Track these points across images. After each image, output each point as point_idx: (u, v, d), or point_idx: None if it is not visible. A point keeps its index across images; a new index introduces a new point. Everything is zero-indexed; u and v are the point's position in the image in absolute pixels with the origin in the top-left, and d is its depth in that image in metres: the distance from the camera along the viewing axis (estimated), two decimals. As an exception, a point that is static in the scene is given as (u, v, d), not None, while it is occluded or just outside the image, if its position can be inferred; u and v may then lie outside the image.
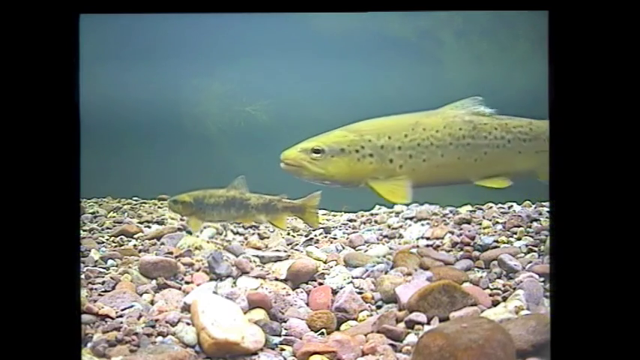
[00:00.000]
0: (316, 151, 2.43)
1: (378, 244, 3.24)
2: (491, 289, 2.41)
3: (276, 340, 2.09)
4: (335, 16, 4.14)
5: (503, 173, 2.56)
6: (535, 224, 3.30)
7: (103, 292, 2.45)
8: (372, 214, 4.03)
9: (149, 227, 3.77)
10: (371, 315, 2.29)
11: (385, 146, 2.39)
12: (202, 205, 3.02)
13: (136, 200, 4.88)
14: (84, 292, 2.41)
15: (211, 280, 2.63)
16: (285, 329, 2.17)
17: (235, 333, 1.96)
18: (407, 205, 3.25)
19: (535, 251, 2.85)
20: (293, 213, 2.96)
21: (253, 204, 2.98)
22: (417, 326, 2.10)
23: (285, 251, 3.04)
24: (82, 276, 2.59)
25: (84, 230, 3.63)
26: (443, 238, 3.16)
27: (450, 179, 2.54)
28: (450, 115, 2.49)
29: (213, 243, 3.23)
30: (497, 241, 3.00)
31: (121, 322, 2.13)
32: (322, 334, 2.16)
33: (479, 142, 2.46)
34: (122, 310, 2.26)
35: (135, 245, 3.29)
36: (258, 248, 3.16)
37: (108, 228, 3.78)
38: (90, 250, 3.02)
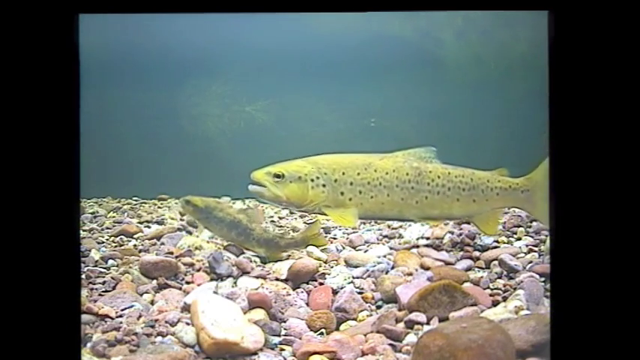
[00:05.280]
0: (277, 176, 2.73)
1: (378, 244, 3.24)
2: (492, 289, 2.41)
3: (276, 340, 2.09)
4: (335, 16, 4.14)
5: (441, 216, 2.92)
6: (535, 224, 3.30)
7: (103, 292, 2.45)
8: (372, 214, 4.02)
9: (149, 227, 3.76)
10: (371, 315, 2.29)
11: (339, 180, 2.74)
12: (210, 215, 3.01)
13: (135, 200, 4.88)
14: (84, 292, 2.41)
15: (212, 280, 2.63)
16: (285, 329, 2.17)
17: (235, 333, 1.96)
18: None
19: (535, 251, 2.85)
20: (296, 248, 2.95)
21: (256, 236, 2.96)
22: (416, 326, 2.10)
23: (286, 251, 3.03)
24: (83, 276, 2.59)
25: (84, 230, 3.63)
26: (443, 238, 3.16)
27: (392, 215, 2.90)
28: (401, 161, 2.84)
29: (214, 243, 3.22)
30: (497, 241, 3.00)
31: (121, 322, 2.13)
32: (322, 334, 2.16)
33: (422, 187, 2.81)
34: (122, 310, 2.26)
35: (135, 245, 3.29)
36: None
37: (108, 228, 3.78)
38: (90, 250, 3.02)
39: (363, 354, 1.97)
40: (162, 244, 3.26)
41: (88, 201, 4.67)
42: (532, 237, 3.09)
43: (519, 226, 3.26)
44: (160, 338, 2.03)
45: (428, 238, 3.22)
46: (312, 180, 2.72)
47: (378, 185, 2.76)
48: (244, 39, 4.58)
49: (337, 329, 2.23)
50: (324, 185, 2.73)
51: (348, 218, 2.75)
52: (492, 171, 2.97)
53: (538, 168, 2.95)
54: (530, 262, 2.66)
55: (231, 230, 2.98)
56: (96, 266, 2.80)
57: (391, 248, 3.09)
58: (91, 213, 4.24)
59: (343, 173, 2.74)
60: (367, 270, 2.67)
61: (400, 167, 2.81)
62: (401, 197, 2.79)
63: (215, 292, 2.42)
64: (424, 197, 2.81)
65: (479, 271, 2.69)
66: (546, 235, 3.00)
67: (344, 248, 3.16)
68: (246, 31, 4.42)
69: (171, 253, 2.98)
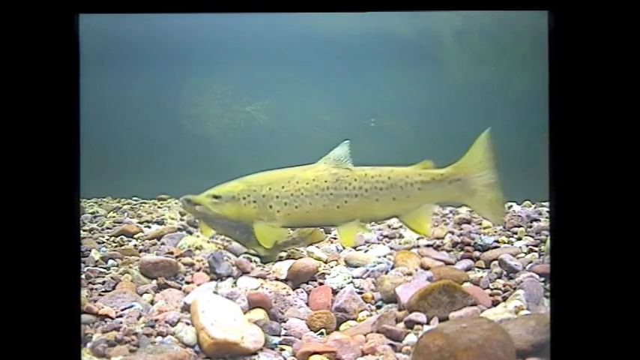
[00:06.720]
0: (215, 197, 2.97)
1: (378, 244, 3.24)
2: (492, 289, 2.41)
3: (276, 340, 2.09)
4: (335, 16, 4.14)
5: (365, 218, 2.99)
6: (535, 224, 3.30)
7: (103, 292, 2.45)
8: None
9: (149, 227, 3.77)
10: (370, 315, 2.29)
11: (266, 195, 2.94)
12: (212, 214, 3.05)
13: (135, 200, 4.88)
14: (84, 292, 2.41)
15: (212, 280, 2.63)
16: (285, 329, 2.17)
17: (235, 333, 1.96)
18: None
19: (535, 251, 2.85)
20: (295, 246, 3.01)
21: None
22: (416, 326, 2.10)
23: (286, 251, 3.04)
24: (83, 276, 2.59)
25: (84, 230, 3.63)
26: (443, 238, 3.16)
27: (320, 222, 3.02)
28: (321, 169, 2.97)
29: (214, 243, 3.23)
30: (497, 241, 3.00)
31: (121, 322, 2.13)
32: (322, 334, 2.16)
33: (340, 193, 2.91)
34: (122, 310, 2.27)
35: (135, 245, 3.29)
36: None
37: (108, 228, 3.78)
38: (90, 250, 3.02)
39: (363, 354, 1.97)
40: (163, 244, 3.26)
41: (88, 201, 4.67)
42: (532, 237, 3.09)
43: (519, 226, 3.26)
44: (160, 338, 2.03)
45: (428, 238, 3.22)
46: (244, 198, 2.94)
47: (300, 195, 2.91)
48: (244, 39, 4.58)
49: (337, 329, 2.23)
50: (254, 202, 2.94)
51: (265, 236, 2.90)
52: (416, 164, 2.92)
53: (467, 153, 2.85)
54: (530, 262, 2.66)
55: (236, 230, 3.02)
56: (96, 266, 2.80)
57: (391, 248, 3.10)
58: (91, 213, 4.24)
59: (270, 188, 2.94)
60: (367, 270, 2.67)
61: (320, 176, 2.94)
62: (322, 204, 2.91)
63: (215, 292, 2.42)
64: (344, 201, 2.91)
65: (479, 271, 2.69)
66: (546, 235, 3.00)
67: (344, 248, 3.16)
68: (247, 30, 4.42)
69: (172, 253, 2.99)
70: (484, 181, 2.82)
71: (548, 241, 2.75)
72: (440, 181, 2.85)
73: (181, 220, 3.99)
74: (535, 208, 3.88)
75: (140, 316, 2.21)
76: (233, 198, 2.95)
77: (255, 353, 1.96)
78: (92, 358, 1.89)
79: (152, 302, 2.40)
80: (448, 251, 2.96)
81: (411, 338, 2.03)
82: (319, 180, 2.92)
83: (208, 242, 3.20)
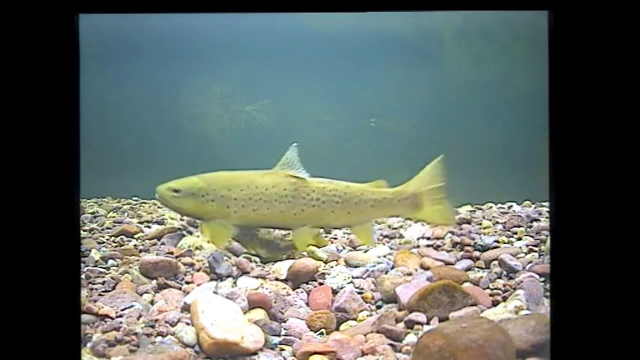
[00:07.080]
0: (176, 191, 3.12)
1: (378, 244, 3.24)
2: (492, 289, 2.41)
3: (276, 340, 2.09)
4: (335, 16, 4.14)
5: (319, 225, 3.22)
6: (535, 224, 3.30)
7: (103, 292, 2.45)
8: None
9: (149, 227, 3.76)
10: (370, 315, 2.29)
11: (224, 196, 3.08)
12: None
13: (135, 200, 4.88)
14: (84, 292, 2.41)
15: (212, 280, 2.63)
16: (285, 329, 2.17)
17: (235, 333, 1.96)
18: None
19: (535, 251, 2.85)
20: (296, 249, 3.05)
21: (260, 237, 3.12)
22: (416, 326, 2.10)
23: (286, 253, 3.04)
24: (83, 276, 2.59)
25: (84, 230, 3.63)
26: (443, 238, 3.16)
27: (275, 225, 3.23)
28: (280, 177, 3.12)
29: (214, 243, 3.22)
30: (497, 241, 3.00)
31: (121, 322, 2.13)
32: (322, 334, 2.16)
33: (298, 201, 3.09)
34: (122, 310, 2.27)
35: (135, 245, 3.28)
36: (259, 248, 3.16)
37: (108, 228, 3.77)
38: (90, 250, 3.02)
39: (363, 354, 1.97)
40: (163, 244, 3.25)
41: (88, 201, 4.66)
42: (532, 237, 3.09)
43: (519, 226, 3.26)
44: (160, 338, 2.03)
45: (429, 238, 3.22)
46: (203, 196, 3.08)
47: (258, 200, 3.06)
48: (244, 38, 4.58)
49: (337, 329, 2.23)
50: (212, 200, 3.07)
51: (216, 238, 3.02)
52: (370, 183, 3.13)
53: (418, 176, 3.07)
54: (530, 262, 2.66)
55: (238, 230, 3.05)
56: (96, 266, 2.80)
57: (391, 248, 3.10)
58: (91, 213, 4.24)
59: (228, 190, 3.08)
60: (367, 270, 2.67)
61: (279, 183, 3.10)
62: (280, 210, 3.07)
63: (215, 292, 2.42)
64: (301, 210, 3.08)
65: (479, 271, 2.69)
66: (546, 235, 3.00)
67: (344, 248, 3.16)
68: (246, 30, 4.41)
69: (172, 253, 2.98)
70: (431, 197, 3.06)
71: (548, 241, 2.75)
72: (390, 200, 3.09)
73: (181, 220, 3.98)
74: (535, 208, 3.88)
75: (140, 316, 2.21)
76: (193, 194, 3.08)
77: (255, 353, 1.96)
78: (92, 358, 1.89)
79: (152, 302, 2.40)
80: (448, 251, 2.96)
81: (411, 338, 2.03)
82: (279, 187, 3.08)
83: (208, 242, 3.19)
